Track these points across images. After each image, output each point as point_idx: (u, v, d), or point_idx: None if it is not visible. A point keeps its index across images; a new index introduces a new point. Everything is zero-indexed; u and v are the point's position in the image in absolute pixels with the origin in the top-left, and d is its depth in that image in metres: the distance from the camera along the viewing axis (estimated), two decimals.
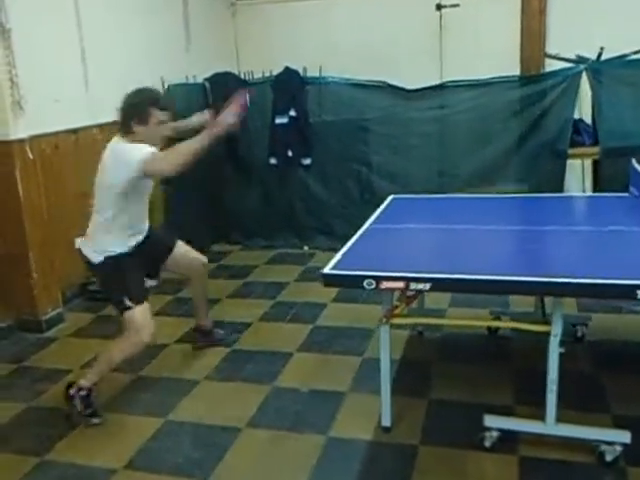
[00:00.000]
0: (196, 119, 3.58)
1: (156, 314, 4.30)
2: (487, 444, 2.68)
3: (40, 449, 2.89)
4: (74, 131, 4.58)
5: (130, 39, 5.11)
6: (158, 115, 3.07)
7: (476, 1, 5.94)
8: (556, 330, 2.51)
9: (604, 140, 4.71)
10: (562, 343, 2.56)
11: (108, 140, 4.86)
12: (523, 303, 3.76)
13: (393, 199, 3.74)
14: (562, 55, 5.20)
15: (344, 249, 2.86)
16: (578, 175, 5.31)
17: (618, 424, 2.75)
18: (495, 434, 2.68)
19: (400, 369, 3.42)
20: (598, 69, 4.75)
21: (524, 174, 4.96)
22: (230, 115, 3.01)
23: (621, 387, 3.10)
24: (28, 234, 4.06)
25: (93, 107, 4.71)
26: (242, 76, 5.63)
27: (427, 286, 2.44)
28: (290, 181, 5.49)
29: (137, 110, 3.07)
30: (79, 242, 3.29)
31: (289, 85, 5.30)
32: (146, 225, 3.37)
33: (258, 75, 5.74)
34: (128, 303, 3.08)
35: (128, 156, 3.01)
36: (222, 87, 5.42)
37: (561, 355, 2.54)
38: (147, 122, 3.06)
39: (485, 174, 5.07)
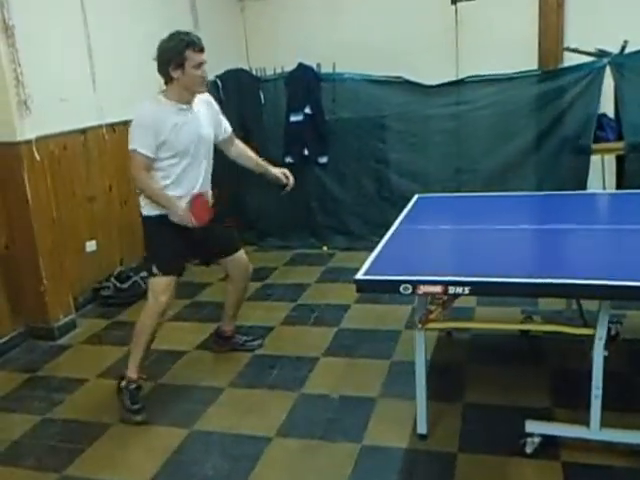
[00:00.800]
0: (272, 171, 3.51)
1: (173, 319, 4.24)
2: (528, 450, 2.59)
3: (59, 464, 2.79)
4: (82, 131, 4.49)
5: (137, 36, 5.00)
6: (195, 58, 2.98)
7: None
8: (601, 333, 2.40)
9: (629, 135, 4.59)
10: (605, 345, 2.47)
11: (117, 141, 4.84)
12: (553, 301, 3.66)
13: (418, 198, 3.64)
14: (582, 49, 5.08)
15: (375, 252, 2.75)
16: (598, 172, 5.20)
17: None
18: (537, 440, 2.58)
19: (431, 372, 3.29)
20: (621, 63, 4.63)
21: (546, 171, 4.84)
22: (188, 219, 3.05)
23: None
24: (37, 238, 3.95)
25: (101, 107, 4.63)
26: (254, 72, 5.50)
27: (466, 290, 2.34)
28: (306, 180, 5.37)
29: (172, 54, 2.98)
30: None
31: (304, 82, 5.18)
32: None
33: (269, 72, 5.63)
34: (155, 270, 3.09)
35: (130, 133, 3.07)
36: (234, 84, 5.32)
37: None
38: (184, 66, 2.98)
39: (505, 171, 4.97)
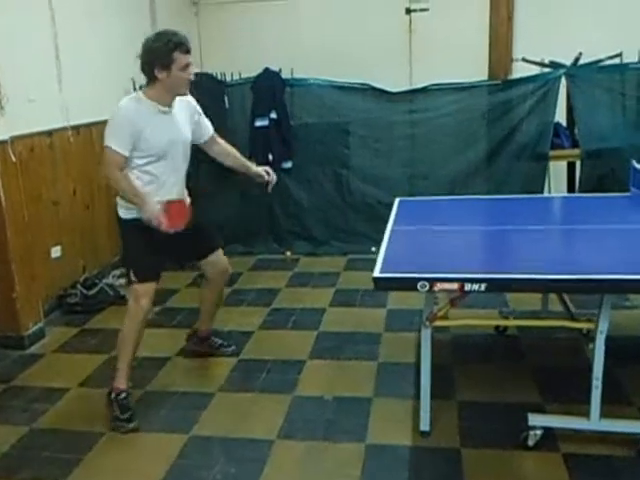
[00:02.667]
0: (254, 169, 3.46)
1: (148, 326, 4.11)
2: (530, 443, 2.68)
3: (57, 475, 2.67)
4: (49, 133, 4.33)
5: (100, 37, 4.89)
6: (183, 59, 2.91)
7: (445, 6, 6.03)
8: (602, 327, 2.53)
9: (584, 142, 4.85)
10: (592, 340, 2.61)
11: (81, 144, 4.70)
12: (527, 302, 3.82)
13: (401, 202, 3.72)
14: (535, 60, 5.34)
15: (381, 253, 2.80)
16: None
17: None
18: (539, 432, 2.68)
19: (419, 372, 3.37)
20: (576, 74, 4.89)
21: (504, 176, 5.05)
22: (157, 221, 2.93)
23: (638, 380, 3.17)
24: (10, 243, 3.77)
25: (67, 108, 4.49)
26: (219, 77, 5.45)
27: (482, 286, 2.42)
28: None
29: (159, 55, 2.89)
30: None
31: (269, 87, 5.18)
32: (178, 197, 3.16)
33: (228, 77, 5.59)
34: (132, 277, 3.03)
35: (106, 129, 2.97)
36: (198, 88, 5.22)
37: (591, 351, 2.58)
38: (170, 68, 2.89)
39: (467, 176, 5.14)
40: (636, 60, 5.03)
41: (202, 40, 6.53)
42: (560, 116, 5.11)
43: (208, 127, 3.32)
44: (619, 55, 5.01)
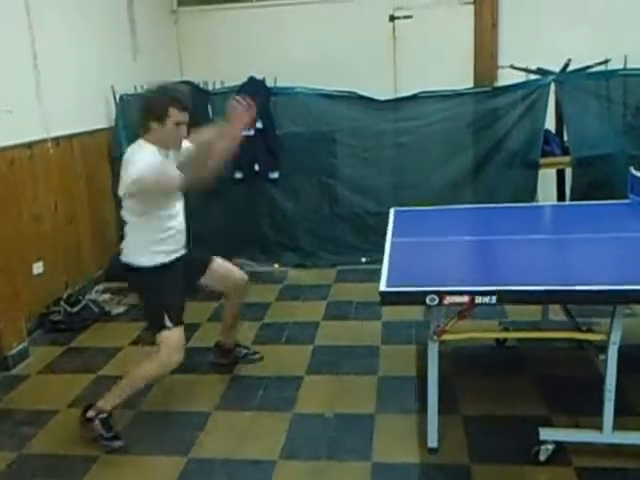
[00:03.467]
0: (209, 132, 3.28)
1: (134, 343, 4.02)
2: (542, 458, 2.62)
3: None
4: (28, 145, 4.17)
5: (79, 47, 4.77)
6: (176, 116, 2.85)
7: (429, 13, 6.03)
8: (615, 338, 2.48)
9: (575, 150, 4.84)
10: (602, 351, 2.56)
11: (61, 156, 4.55)
12: (522, 312, 3.76)
13: (396, 212, 3.64)
14: (522, 67, 5.33)
15: (385, 265, 2.72)
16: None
17: None
18: (550, 447, 2.62)
19: (422, 386, 3.31)
20: (564, 80, 4.88)
21: (496, 184, 5.01)
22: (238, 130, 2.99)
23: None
24: None
25: (47, 119, 4.33)
26: (202, 85, 5.34)
27: (493, 299, 2.36)
28: (256, 196, 5.26)
29: (155, 108, 2.86)
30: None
31: (255, 95, 5.04)
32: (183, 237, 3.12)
33: (210, 86, 5.49)
34: (168, 323, 2.89)
35: (126, 169, 2.85)
36: None
37: (602, 362, 2.54)
38: (164, 122, 2.84)
39: (457, 185, 5.09)
40: (622, 66, 5.05)
41: (182, 48, 6.45)
42: (549, 123, 5.10)
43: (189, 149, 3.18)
44: (606, 62, 5.02)
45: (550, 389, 3.19)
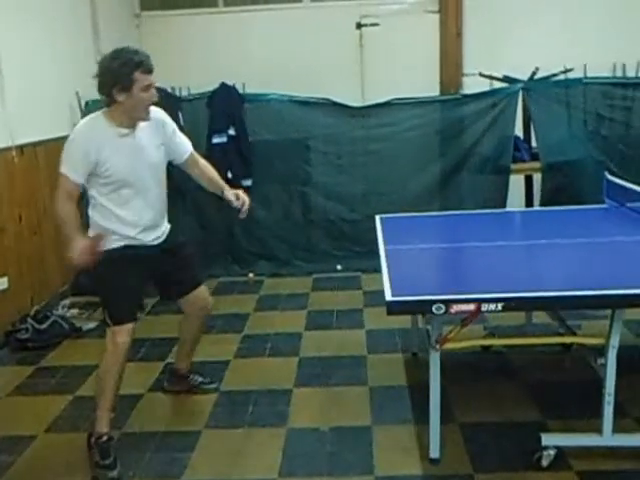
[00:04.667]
0: (225, 194, 3.13)
1: None
2: (545, 463, 2.61)
3: None
4: None
5: (42, 52, 4.59)
6: (144, 79, 2.66)
7: (396, 21, 6.05)
8: (614, 341, 2.49)
9: (545, 155, 4.91)
10: (600, 354, 2.57)
11: (26, 165, 4.36)
12: (505, 317, 3.76)
13: (383, 219, 3.60)
14: (490, 75, 5.39)
15: (384, 274, 2.65)
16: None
17: None
18: (552, 452, 2.61)
19: (413, 395, 3.27)
20: (532, 88, 4.95)
21: (467, 191, 5.04)
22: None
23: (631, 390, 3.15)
24: None
25: (10, 126, 4.15)
26: (171, 91, 5.21)
27: (499, 306, 2.33)
28: (229, 204, 5.14)
29: (118, 75, 2.63)
30: None
31: (227, 102, 4.97)
32: (152, 224, 2.91)
33: (176, 92, 5.37)
34: (108, 321, 2.81)
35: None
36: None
37: (600, 366, 2.55)
38: (130, 89, 2.64)
39: (430, 191, 5.10)
40: (582, 75, 5.15)
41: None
42: (516, 130, 5.16)
43: (185, 147, 3.05)
44: (570, 70, 5.12)
45: (541, 393, 3.20)
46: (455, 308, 2.34)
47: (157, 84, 5.19)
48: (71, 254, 2.66)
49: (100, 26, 5.38)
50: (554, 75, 5.03)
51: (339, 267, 5.17)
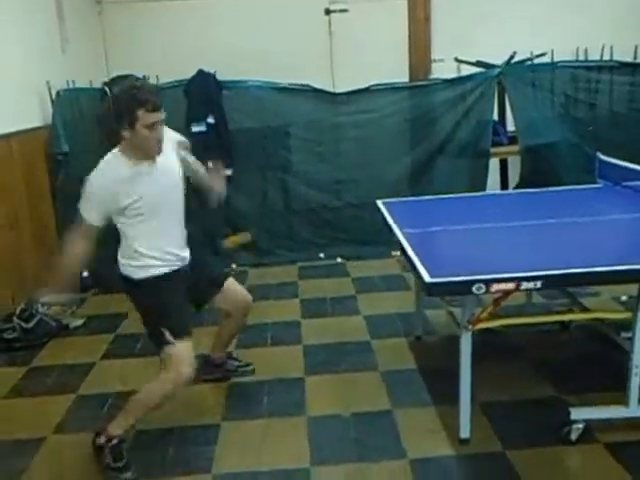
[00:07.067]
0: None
1: (112, 357, 3.74)
2: (574, 437, 2.66)
3: None
4: None
5: (8, 41, 4.34)
6: (148, 118, 2.52)
7: (365, 7, 6.02)
8: None
9: (523, 138, 5.00)
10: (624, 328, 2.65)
11: (1, 158, 4.12)
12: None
13: (387, 204, 3.57)
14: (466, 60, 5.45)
15: (414, 257, 2.63)
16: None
17: None
18: (581, 426, 2.67)
19: (425, 378, 3.28)
20: (510, 72, 5.03)
21: (448, 175, 5.09)
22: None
23: None
24: None
25: None
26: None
27: (538, 284, 2.36)
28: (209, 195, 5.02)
29: (121, 111, 2.53)
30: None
31: (204, 90, 4.84)
32: (180, 252, 2.84)
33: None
34: (169, 338, 2.62)
35: None
36: None
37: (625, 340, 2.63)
38: (134, 126, 2.53)
39: (412, 176, 5.13)
40: (549, 60, 5.26)
41: (107, 41, 6.04)
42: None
43: (196, 166, 2.97)
44: (544, 54, 5.22)
45: (548, 370, 3.26)
46: (495, 287, 2.35)
47: (119, 73, 5.12)
48: (49, 281, 2.65)
49: (64, 11, 5.13)
50: (530, 59, 5.11)
51: (322, 255, 5.14)
